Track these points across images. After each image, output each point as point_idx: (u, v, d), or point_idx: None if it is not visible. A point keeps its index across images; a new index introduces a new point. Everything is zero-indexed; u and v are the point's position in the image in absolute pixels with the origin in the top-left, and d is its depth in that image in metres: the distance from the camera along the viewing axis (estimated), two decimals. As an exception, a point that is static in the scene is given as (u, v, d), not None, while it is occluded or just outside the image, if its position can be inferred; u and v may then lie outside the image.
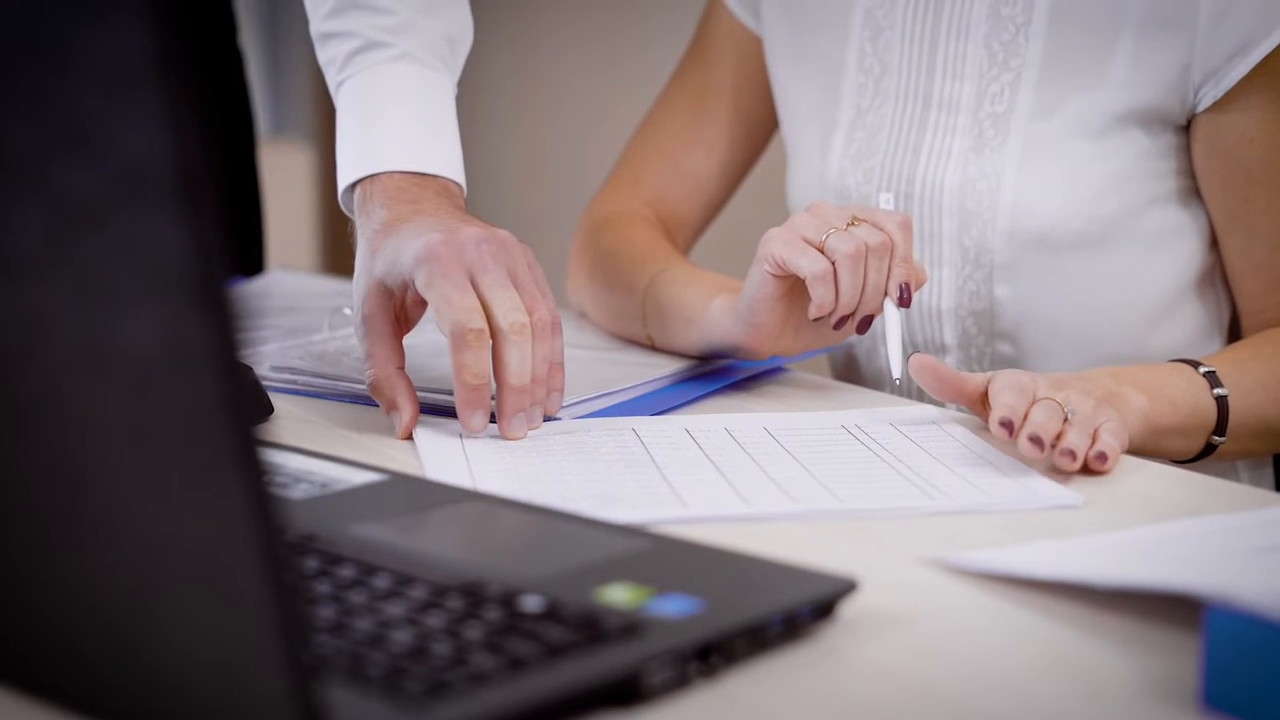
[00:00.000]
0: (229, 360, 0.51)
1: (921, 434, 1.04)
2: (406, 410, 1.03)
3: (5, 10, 0.54)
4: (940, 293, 1.25)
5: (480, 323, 0.99)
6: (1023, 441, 0.94)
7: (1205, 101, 1.16)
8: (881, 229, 1.08)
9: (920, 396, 1.28)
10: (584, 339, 1.28)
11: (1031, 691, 0.67)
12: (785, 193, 1.36)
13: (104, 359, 0.54)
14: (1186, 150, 1.20)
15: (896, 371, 1.10)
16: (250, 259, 1.75)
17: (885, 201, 1.16)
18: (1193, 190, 1.21)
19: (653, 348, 1.25)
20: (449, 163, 1.13)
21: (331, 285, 1.51)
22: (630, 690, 0.63)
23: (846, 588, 0.72)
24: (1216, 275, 1.24)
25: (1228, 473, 1.25)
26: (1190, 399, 1.09)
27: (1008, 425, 0.96)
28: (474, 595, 0.68)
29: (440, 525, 0.82)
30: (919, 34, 1.26)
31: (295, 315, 1.34)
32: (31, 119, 0.54)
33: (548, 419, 1.05)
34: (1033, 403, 0.97)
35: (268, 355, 1.21)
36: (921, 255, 1.25)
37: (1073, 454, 0.94)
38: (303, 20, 1.19)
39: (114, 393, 0.54)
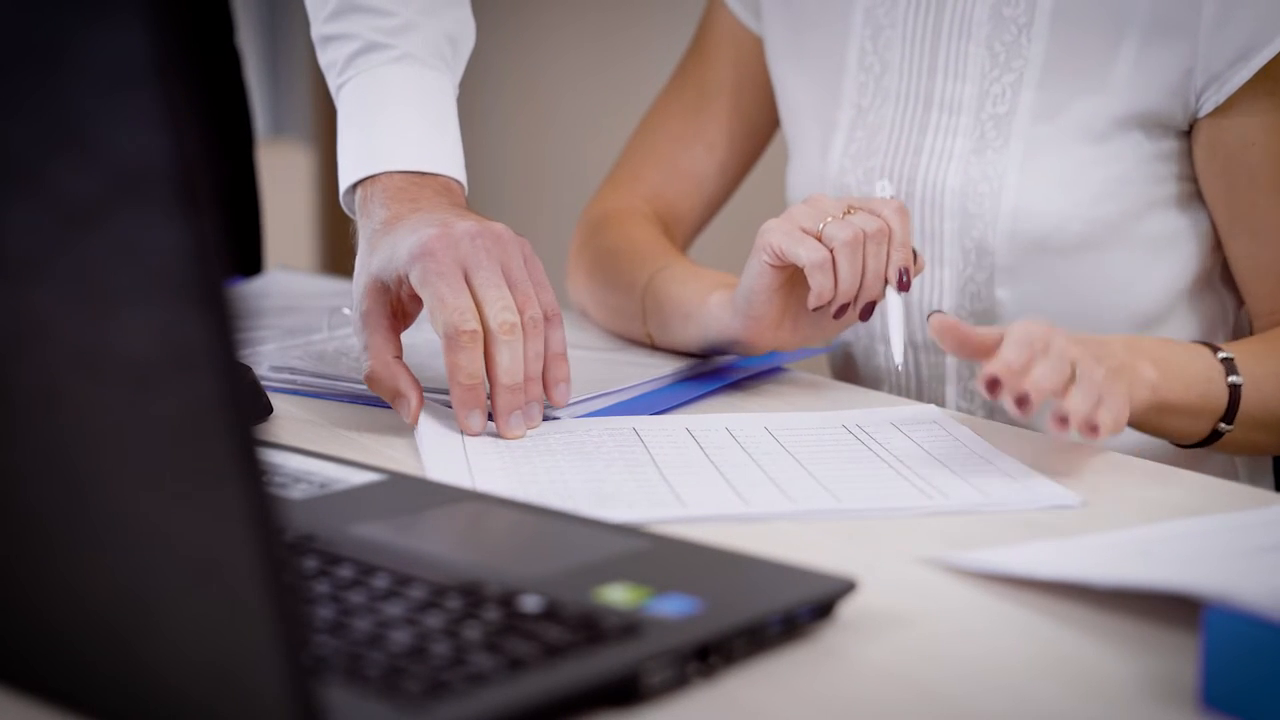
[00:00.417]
0: (228, 360, 0.51)
1: (921, 434, 1.04)
2: (412, 395, 1.03)
3: (3, 10, 0.54)
4: (941, 294, 1.25)
5: (473, 324, 0.99)
6: (1007, 401, 0.91)
7: (1207, 106, 1.16)
8: (878, 216, 1.08)
9: (920, 395, 1.28)
10: (584, 339, 1.28)
11: (1031, 691, 0.66)
12: (785, 191, 1.36)
13: (102, 359, 0.54)
14: (1188, 155, 1.20)
15: (898, 358, 1.10)
16: (249, 259, 1.75)
17: (882, 189, 1.15)
18: (1194, 194, 1.21)
19: (652, 346, 1.25)
20: (449, 160, 1.13)
21: (330, 285, 1.51)
22: (629, 690, 0.63)
23: (845, 588, 0.72)
24: (1217, 277, 1.24)
25: (1228, 473, 1.25)
26: (1204, 382, 1.08)
27: (992, 385, 0.91)
28: (473, 595, 0.68)
29: (439, 525, 0.82)
30: (920, 33, 1.26)
31: (294, 315, 1.34)
32: (29, 119, 0.54)
33: (548, 418, 1.05)
34: (1034, 358, 0.92)
35: (266, 355, 1.21)
36: (922, 256, 1.25)
37: (1066, 419, 0.91)
38: (301, 21, 1.20)
39: (112, 393, 0.54)
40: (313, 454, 0.93)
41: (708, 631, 0.66)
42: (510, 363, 1.00)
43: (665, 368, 1.19)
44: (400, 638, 0.63)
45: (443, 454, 0.98)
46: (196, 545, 0.54)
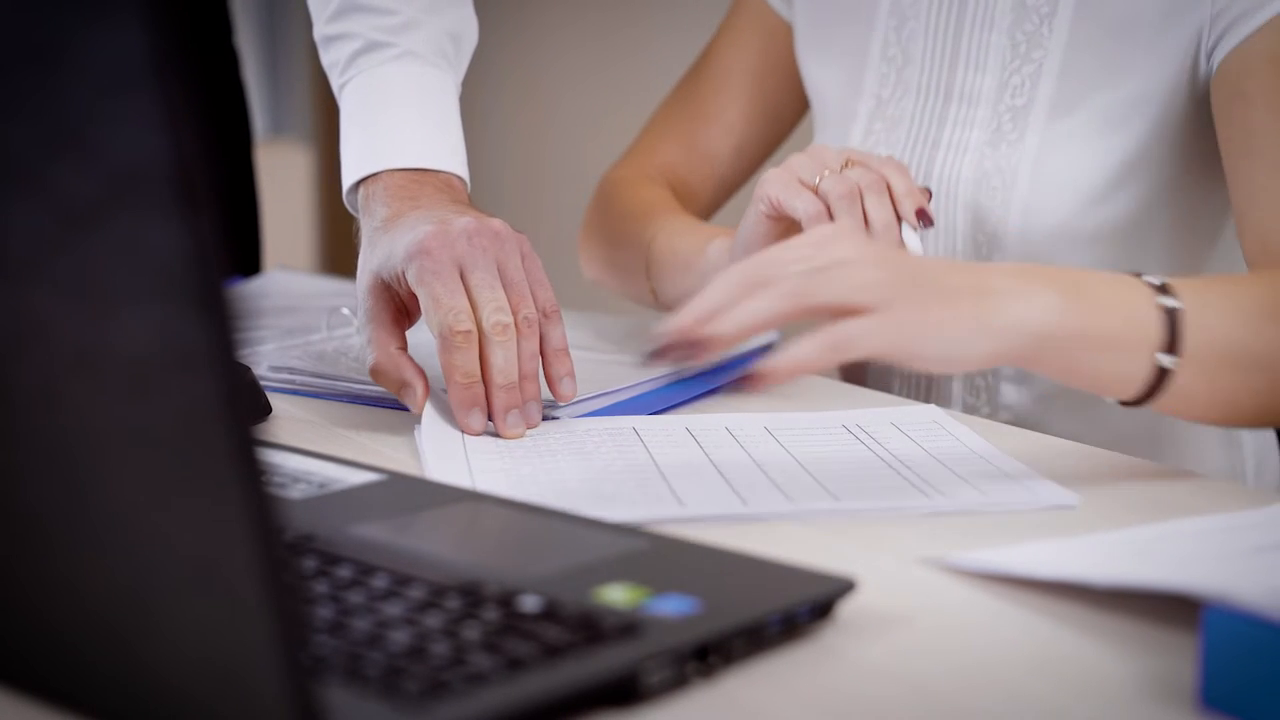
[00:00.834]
0: (227, 360, 0.51)
1: (921, 434, 1.04)
2: (418, 384, 1.03)
3: (3, 10, 0.54)
4: None
5: (467, 324, 1.00)
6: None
7: (1218, 56, 1.12)
8: (875, 171, 1.08)
9: (928, 390, 1.28)
10: (583, 339, 1.28)
11: (1030, 691, 0.66)
12: None
13: (101, 359, 0.54)
14: (1199, 148, 1.19)
15: None
16: (248, 259, 1.75)
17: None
18: (1204, 188, 1.21)
19: (655, 305, 1.26)
20: (451, 157, 1.13)
21: (330, 285, 1.51)
22: (628, 690, 0.63)
23: (845, 587, 0.72)
24: (1224, 270, 1.24)
25: (1235, 469, 1.24)
26: (1124, 305, 0.92)
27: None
28: (472, 595, 0.68)
29: (438, 525, 0.82)
30: (944, 23, 1.26)
31: (293, 315, 1.34)
32: (28, 119, 0.54)
33: (547, 418, 1.05)
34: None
35: (266, 355, 1.21)
36: (935, 249, 1.25)
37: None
38: (301, 21, 1.20)
39: (111, 393, 0.54)
40: (312, 454, 0.93)
41: (707, 631, 0.66)
42: (504, 363, 1.01)
43: (664, 367, 1.19)
44: (399, 638, 0.63)
45: (442, 454, 0.98)
46: (196, 545, 0.54)
